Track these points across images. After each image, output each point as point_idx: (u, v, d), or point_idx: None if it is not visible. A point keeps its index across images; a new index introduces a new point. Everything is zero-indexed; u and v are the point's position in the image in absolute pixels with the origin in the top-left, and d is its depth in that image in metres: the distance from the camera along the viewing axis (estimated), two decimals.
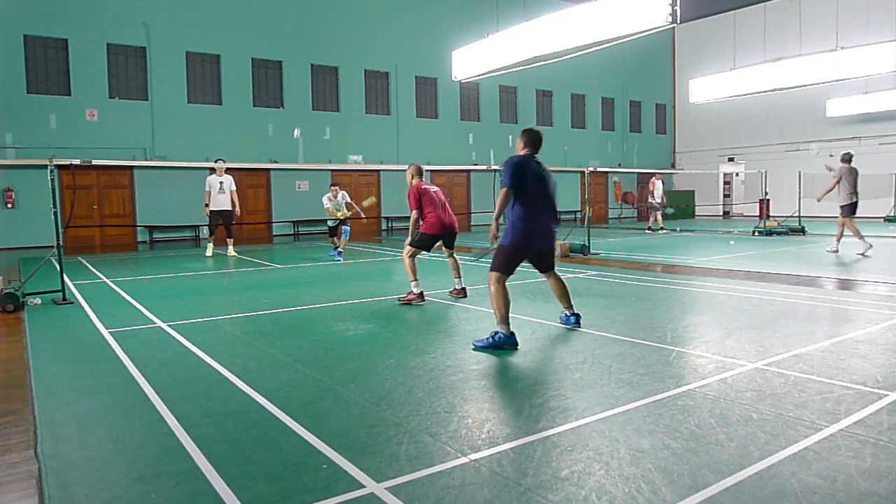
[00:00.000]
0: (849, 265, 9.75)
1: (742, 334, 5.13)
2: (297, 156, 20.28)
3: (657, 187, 19.04)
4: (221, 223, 12.74)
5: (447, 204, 7.47)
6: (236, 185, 12.99)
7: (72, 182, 16.09)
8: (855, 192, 11.17)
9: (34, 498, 2.57)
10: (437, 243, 7.39)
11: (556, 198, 5.36)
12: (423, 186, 7.34)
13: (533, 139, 5.36)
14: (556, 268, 5.58)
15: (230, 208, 12.64)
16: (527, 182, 5.05)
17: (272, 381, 4.06)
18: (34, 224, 15.67)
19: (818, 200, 12.48)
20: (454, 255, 7.55)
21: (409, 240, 7.34)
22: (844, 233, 11.47)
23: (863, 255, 10.83)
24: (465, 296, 7.34)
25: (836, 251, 11.39)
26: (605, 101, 28.38)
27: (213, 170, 12.77)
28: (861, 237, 11.17)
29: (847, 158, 11.36)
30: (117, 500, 2.51)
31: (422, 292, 7.06)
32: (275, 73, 20.03)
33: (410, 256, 7.15)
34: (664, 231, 18.68)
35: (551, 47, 11.16)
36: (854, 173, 11.23)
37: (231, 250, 13.07)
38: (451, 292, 7.47)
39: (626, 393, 3.65)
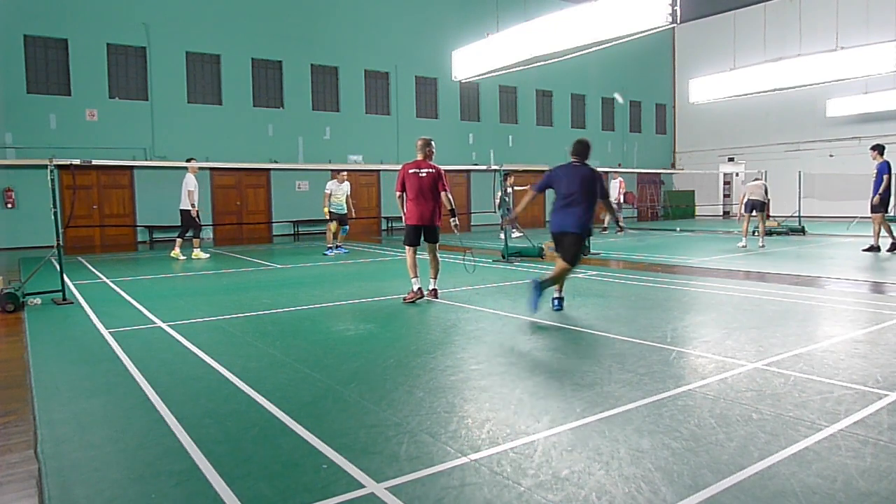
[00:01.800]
0: (848, 265, 9.75)
1: (742, 334, 5.13)
2: (297, 156, 20.29)
3: (612, 187, 18.53)
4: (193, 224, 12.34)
5: (431, 192, 6.87)
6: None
7: (72, 182, 16.10)
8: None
9: (34, 498, 2.57)
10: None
11: (594, 191, 6.05)
12: (410, 170, 6.86)
13: (574, 148, 6.34)
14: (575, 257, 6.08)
15: None
16: (555, 183, 6.16)
17: (272, 381, 4.06)
18: (34, 224, 15.68)
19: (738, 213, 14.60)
20: (435, 252, 7.11)
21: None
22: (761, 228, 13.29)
23: (739, 246, 12.82)
24: (436, 297, 7.08)
25: (745, 245, 12.75)
26: (605, 101, 28.39)
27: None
28: (745, 235, 13.10)
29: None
30: (117, 500, 2.51)
31: (420, 289, 6.92)
32: (275, 73, 20.03)
33: (411, 254, 6.99)
34: (607, 231, 18.31)
35: (551, 47, 11.16)
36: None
37: (180, 252, 12.47)
38: (426, 293, 7.13)
39: (626, 393, 3.65)
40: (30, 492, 2.62)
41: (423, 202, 6.87)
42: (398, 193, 7.04)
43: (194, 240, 12.66)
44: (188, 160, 12.51)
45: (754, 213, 12.74)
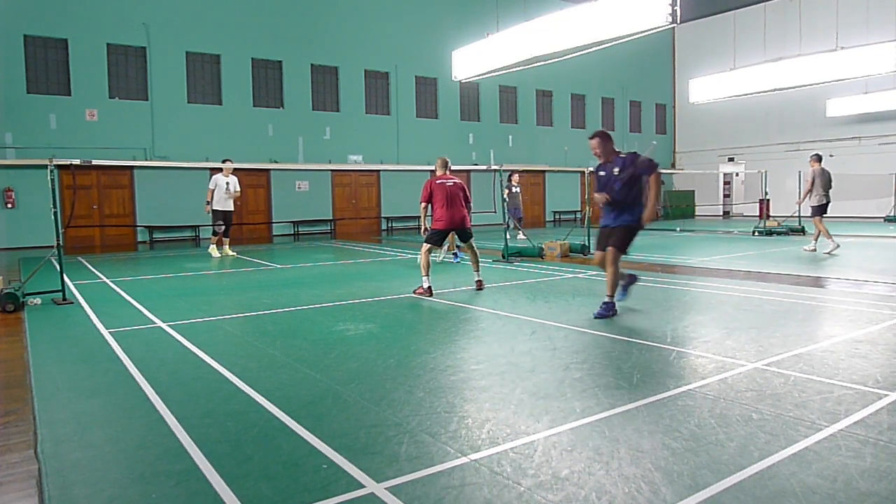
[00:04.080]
0: (848, 265, 9.74)
1: (742, 334, 5.13)
2: (297, 156, 20.30)
3: None
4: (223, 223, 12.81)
5: (460, 198, 7.70)
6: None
7: (72, 182, 16.10)
8: (826, 194, 11.42)
9: (34, 498, 2.57)
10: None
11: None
12: (437, 182, 7.67)
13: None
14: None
15: (233, 209, 12.80)
16: None
17: (272, 381, 4.06)
18: (34, 224, 15.68)
19: (798, 204, 13.33)
20: (472, 247, 7.85)
21: (422, 228, 8.27)
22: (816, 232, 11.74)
23: (829, 253, 11.05)
24: (481, 288, 7.72)
25: (814, 250, 11.52)
26: (605, 101, 28.39)
27: (219, 169, 12.90)
28: (830, 237, 11.37)
29: (818, 159, 11.64)
30: (117, 500, 2.51)
31: (430, 287, 7.40)
32: (275, 73, 20.03)
33: (426, 252, 7.54)
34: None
35: (551, 47, 11.16)
36: (826, 175, 11.45)
37: (228, 249, 13.15)
38: (476, 283, 7.86)
39: (626, 393, 3.65)
40: (30, 492, 2.62)
41: (454, 208, 7.64)
42: (423, 204, 7.82)
43: (213, 237, 13.02)
44: (224, 161, 12.99)
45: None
